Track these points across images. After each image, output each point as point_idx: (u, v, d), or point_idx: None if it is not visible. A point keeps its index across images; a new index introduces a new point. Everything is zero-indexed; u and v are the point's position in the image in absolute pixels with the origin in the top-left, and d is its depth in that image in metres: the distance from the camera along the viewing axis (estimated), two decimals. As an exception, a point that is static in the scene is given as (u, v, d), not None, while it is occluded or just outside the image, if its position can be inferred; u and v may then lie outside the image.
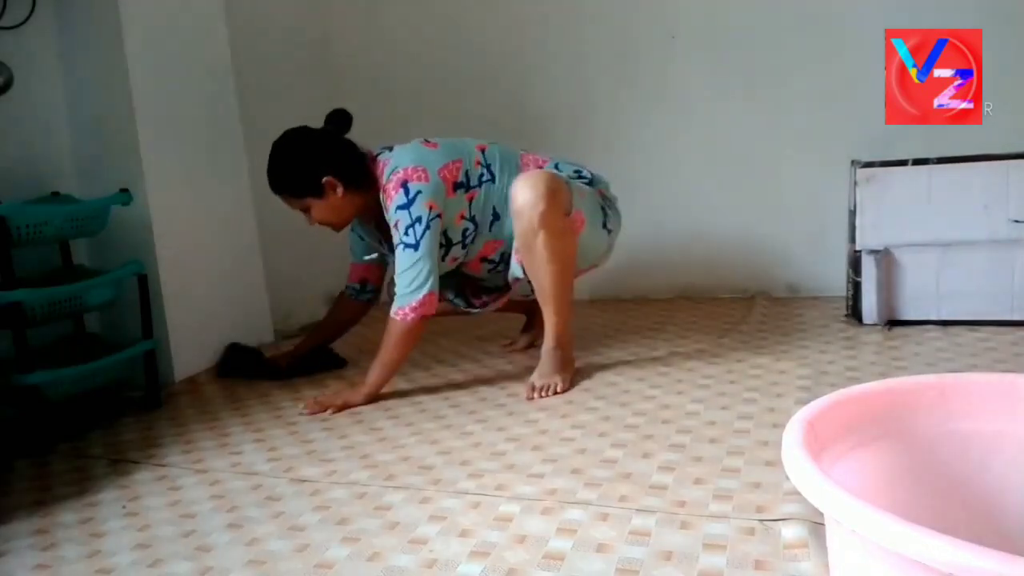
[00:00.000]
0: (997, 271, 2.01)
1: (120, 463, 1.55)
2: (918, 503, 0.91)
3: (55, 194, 1.90)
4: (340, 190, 1.76)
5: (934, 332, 2.02)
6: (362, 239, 2.00)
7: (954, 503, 0.94)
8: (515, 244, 1.79)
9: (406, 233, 1.71)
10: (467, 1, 2.76)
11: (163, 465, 1.52)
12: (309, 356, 2.10)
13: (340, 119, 1.82)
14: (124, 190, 1.88)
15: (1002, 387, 0.97)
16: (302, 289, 2.68)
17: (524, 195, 1.69)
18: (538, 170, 1.79)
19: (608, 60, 2.62)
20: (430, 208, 1.72)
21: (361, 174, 1.79)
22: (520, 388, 1.81)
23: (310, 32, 2.84)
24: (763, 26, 2.44)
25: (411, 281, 1.71)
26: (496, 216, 1.84)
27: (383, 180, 1.77)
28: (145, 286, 1.86)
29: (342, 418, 1.71)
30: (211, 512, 1.30)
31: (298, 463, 1.47)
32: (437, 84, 2.83)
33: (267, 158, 1.77)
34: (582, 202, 1.80)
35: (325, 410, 1.75)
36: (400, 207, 1.72)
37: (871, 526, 0.64)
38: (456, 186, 1.78)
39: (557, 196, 1.70)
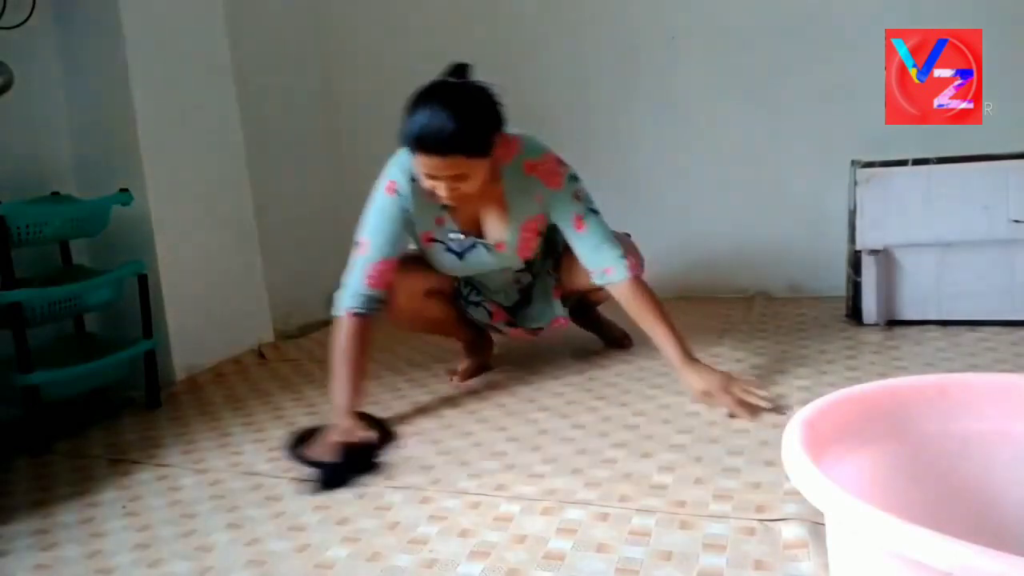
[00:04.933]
0: (997, 271, 2.00)
1: (120, 463, 1.55)
2: (918, 503, 0.91)
3: (55, 194, 1.90)
4: (493, 152, 1.53)
5: (934, 332, 2.01)
6: (411, 223, 1.64)
7: (954, 503, 0.94)
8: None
9: (590, 200, 1.66)
10: (466, 2, 2.76)
11: (163, 465, 1.52)
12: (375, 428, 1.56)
13: (464, 72, 1.57)
14: (124, 190, 1.88)
15: (1002, 387, 0.97)
16: (302, 289, 2.68)
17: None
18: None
19: (608, 61, 2.62)
20: None
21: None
22: (518, 387, 1.81)
23: (309, 31, 2.84)
24: (763, 26, 2.44)
25: (616, 245, 1.64)
26: None
27: (523, 156, 1.64)
28: (145, 286, 1.86)
29: (342, 418, 1.71)
30: (211, 512, 1.30)
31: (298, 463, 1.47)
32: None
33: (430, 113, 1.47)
34: None
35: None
36: (574, 177, 1.66)
37: (871, 526, 0.64)
38: None
39: None
